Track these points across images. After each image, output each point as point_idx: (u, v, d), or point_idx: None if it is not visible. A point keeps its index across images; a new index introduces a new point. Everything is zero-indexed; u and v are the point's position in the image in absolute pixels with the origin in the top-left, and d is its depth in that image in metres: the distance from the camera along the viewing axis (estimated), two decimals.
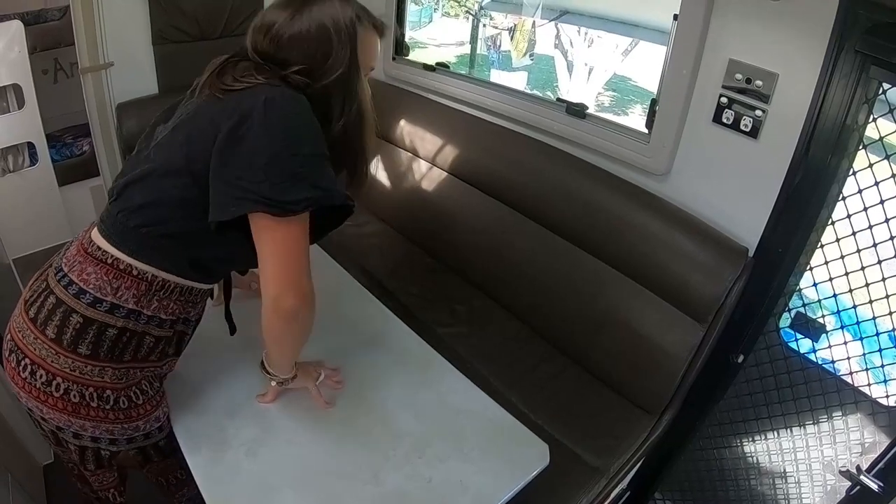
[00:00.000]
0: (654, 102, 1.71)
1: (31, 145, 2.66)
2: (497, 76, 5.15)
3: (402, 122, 2.54)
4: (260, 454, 1.19)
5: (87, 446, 1.17)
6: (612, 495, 1.65)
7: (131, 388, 1.11)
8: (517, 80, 5.21)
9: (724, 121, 1.54)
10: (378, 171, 2.67)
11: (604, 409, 1.72)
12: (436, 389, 1.37)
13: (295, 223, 0.99)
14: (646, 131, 1.74)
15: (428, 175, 2.43)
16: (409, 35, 2.71)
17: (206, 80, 1.04)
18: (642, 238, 1.67)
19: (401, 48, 2.65)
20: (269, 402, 1.29)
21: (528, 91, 2.38)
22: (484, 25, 5.84)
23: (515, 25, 5.25)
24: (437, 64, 2.54)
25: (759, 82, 1.45)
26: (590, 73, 3.94)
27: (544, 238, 1.95)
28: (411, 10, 2.76)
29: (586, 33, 4.99)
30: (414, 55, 2.70)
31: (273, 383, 1.26)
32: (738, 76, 1.48)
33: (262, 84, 1.00)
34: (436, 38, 7.22)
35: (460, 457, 1.21)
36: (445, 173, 2.36)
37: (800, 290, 1.57)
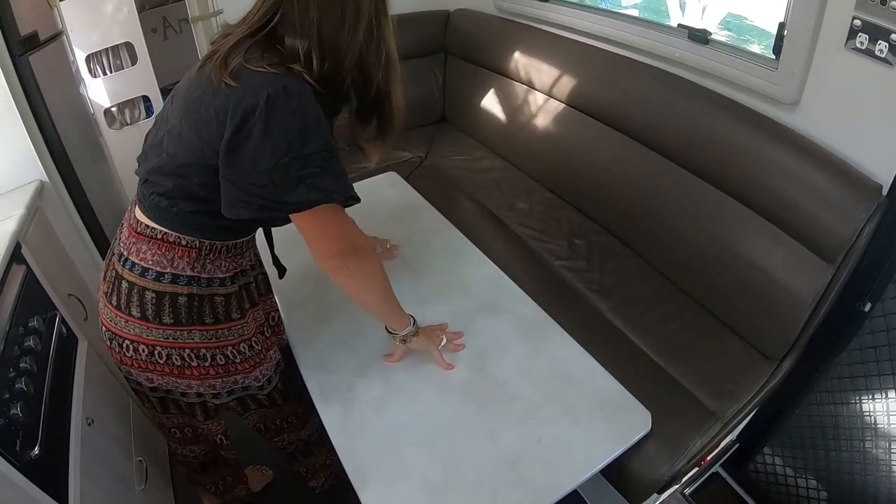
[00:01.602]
0: (781, 26, 1.59)
1: (146, 98, 2.80)
2: None
3: (516, 55, 2.50)
4: (386, 411, 1.28)
5: (194, 402, 1.30)
6: (723, 444, 1.59)
7: (227, 347, 1.20)
8: None
9: (858, 46, 1.41)
10: (493, 104, 2.65)
11: (722, 352, 1.66)
12: (550, 356, 1.40)
13: (316, 210, 1.02)
14: (773, 57, 1.63)
15: (544, 107, 2.39)
16: None
17: (215, 63, 0.98)
18: (769, 170, 1.57)
19: None
20: (395, 361, 1.37)
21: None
22: None
23: None
24: None
25: (894, 3, 1.30)
26: (703, 11, 3.71)
27: (666, 170, 1.88)
28: None
29: None
30: None
31: (397, 342, 1.33)
32: None
33: (265, 74, 0.95)
34: None
35: (570, 420, 1.25)
36: (563, 105, 2.32)
37: None
